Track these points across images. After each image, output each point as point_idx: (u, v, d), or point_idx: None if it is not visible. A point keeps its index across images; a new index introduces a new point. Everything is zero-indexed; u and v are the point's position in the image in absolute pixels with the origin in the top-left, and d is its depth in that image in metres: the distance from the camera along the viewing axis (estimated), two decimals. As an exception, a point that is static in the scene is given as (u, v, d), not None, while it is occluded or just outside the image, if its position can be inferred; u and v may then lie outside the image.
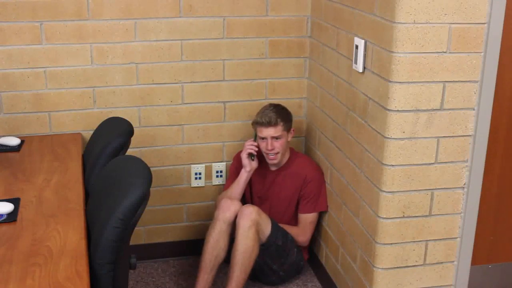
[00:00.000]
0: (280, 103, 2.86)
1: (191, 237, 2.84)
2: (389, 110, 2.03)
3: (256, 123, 2.56)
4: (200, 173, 2.89)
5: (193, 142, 2.86)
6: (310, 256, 2.89)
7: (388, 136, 2.05)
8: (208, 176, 2.92)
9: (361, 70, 2.21)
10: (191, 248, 2.89)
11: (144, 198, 1.73)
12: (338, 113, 2.51)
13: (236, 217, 2.51)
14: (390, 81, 2.00)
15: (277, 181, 2.66)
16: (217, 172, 2.91)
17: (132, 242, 2.77)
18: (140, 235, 2.89)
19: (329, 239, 2.69)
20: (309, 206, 2.61)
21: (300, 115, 2.94)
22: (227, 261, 2.53)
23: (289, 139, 2.60)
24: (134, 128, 2.49)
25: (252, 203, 2.73)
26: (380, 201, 2.13)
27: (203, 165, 2.89)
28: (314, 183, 2.62)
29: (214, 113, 2.84)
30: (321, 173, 2.66)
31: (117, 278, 1.73)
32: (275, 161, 2.59)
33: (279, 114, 2.54)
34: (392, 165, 2.08)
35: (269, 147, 2.55)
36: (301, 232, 2.61)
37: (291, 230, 2.60)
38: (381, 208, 2.13)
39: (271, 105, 2.60)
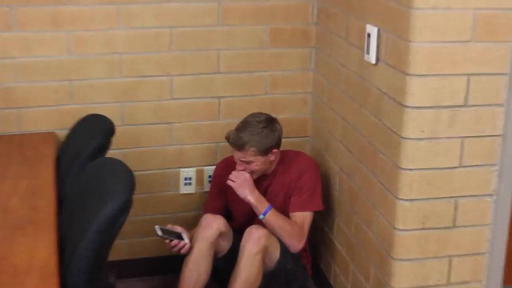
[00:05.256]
0: (282, 99, 2.86)
1: (174, 253, 2.79)
2: (406, 106, 2.02)
3: (226, 139, 2.54)
4: (190, 178, 2.88)
5: (183, 142, 2.85)
6: (317, 275, 2.88)
7: (405, 136, 2.05)
8: (200, 181, 2.91)
9: (374, 62, 2.22)
10: (179, 264, 2.84)
11: (126, 207, 1.74)
12: (348, 110, 2.50)
13: (218, 235, 2.50)
14: (407, 74, 2.00)
15: (271, 190, 2.64)
16: (209, 177, 2.89)
17: (112, 257, 2.72)
18: (121, 250, 2.89)
19: (338, 254, 2.68)
20: (303, 202, 2.57)
21: (304, 113, 2.93)
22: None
23: (272, 158, 2.57)
24: (116, 127, 2.47)
25: (242, 217, 2.69)
26: (396, 211, 2.12)
27: (194, 169, 2.88)
28: (310, 173, 2.59)
29: (208, 110, 2.83)
30: (317, 165, 2.66)
31: (94, 300, 1.73)
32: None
33: (252, 136, 2.49)
34: (410, 169, 2.07)
35: (239, 167, 2.54)
36: (299, 234, 2.55)
37: (290, 226, 2.53)
38: (397, 219, 2.13)
39: (251, 118, 2.54)
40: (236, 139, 2.48)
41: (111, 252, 1.89)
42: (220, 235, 2.52)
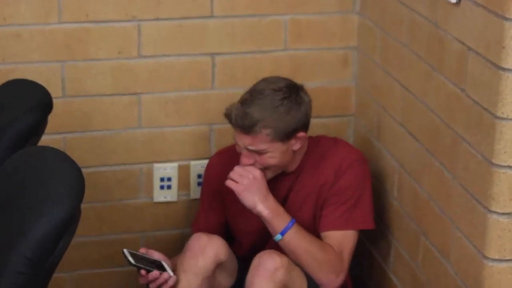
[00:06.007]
0: (310, 58, 2.86)
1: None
2: (504, 69, 2.02)
3: (226, 116, 2.54)
4: (169, 179, 2.89)
5: (157, 124, 2.87)
6: None
7: (503, 116, 2.05)
8: (184, 184, 2.93)
9: (454, 0, 2.21)
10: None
11: (70, 223, 1.74)
12: (414, 74, 2.51)
13: (216, 265, 2.52)
14: (507, 19, 1.99)
15: (294, 196, 2.66)
16: (199, 176, 2.91)
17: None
18: (64, 287, 2.87)
19: None
20: (343, 216, 2.59)
21: (345, 79, 2.95)
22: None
23: (296, 147, 2.58)
24: (54, 100, 2.46)
25: (250, 238, 2.71)
26: (487, 230, 2.12)
27: (175, 164, 2.91)
28: (353, 172, 2.61)
29: (196, 73, 2.85)
30: (363, 159, 2.67)
31: None
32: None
33: (266, 113, 2.48)
34: (510, 167, 2.08)
35: (243, 161, 2.54)
36: (337, 263, 2.56)
37: (323, 252, 2.55)
38: (489, 243, 2.12)
39: (265, 86, 2.54)
40: (242, 117, 2.47)
41: (48, 292, 1.88)
42: (219, 266, 2.54)
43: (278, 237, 2.51)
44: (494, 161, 2.06)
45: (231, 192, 2.54)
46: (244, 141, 2.50)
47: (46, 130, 2.41)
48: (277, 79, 2.57)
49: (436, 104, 2.36)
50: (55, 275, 1.88)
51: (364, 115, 2.91)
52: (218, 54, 2.84)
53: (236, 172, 2.53)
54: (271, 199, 2.51)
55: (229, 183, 2.53)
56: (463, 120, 2.21)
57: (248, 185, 2.51)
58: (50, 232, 1.70)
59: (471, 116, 2.16)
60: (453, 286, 2.29)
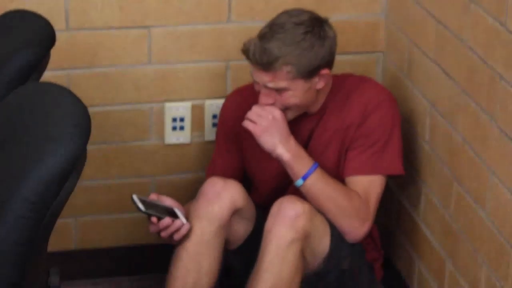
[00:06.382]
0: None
1: (160, 240, 2.82)
2: None
3: (243, 52, 2.54)
4: (182, 119, 2.91)
5: (169, 60, 2.88)
6: (390, 278, 2.90)
7: None
8: (198, 124, 2.95)
9: None
10: (160, 259, 2.87)
11: (74, 163, 1.74)
12: (449, 6, 2.50)
13: (232, 212, 2.53)
14: None
15: (317, 139, 2.67)
16: (214, 117, 2.93)
17: (54, 247, 2.77)
18: (69, 234, 2.95)
19: (427, 246, 2.71)
20: (370, 160, 2.59)
21: (374, 11, 2.94)
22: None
23: (319, 86, 2.57)
24: (57, 33, 2.45)
25: (269, 184, 2.73)
26: None
27: (188, 103, 2.92)
28: (382, 113, 2.61)
29: (210, 4, 2.85)
30: (393, 99, 2.67)
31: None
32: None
33: (288, 48, 2.47)
34: None
35: (262, 100, 2.55)
36: (363, 211, 2.58)
37: (348, 199, 2.56)
38: None
39: (286, 19, 2.53)
40: (261, 53, 2.47)
41: (52, 239, 1.90)
42: (235, 212, 2.55)
43: (299, 182, 2.52)
44: (535, 101, 2.07)
45: (248, 134, 2.55)
46: (263, 78, 2.50)
47: (49, 66, 2.41)
48: (300, 11, 2.56)
49: (473, 39, 2.35)
50: (59, 220, 1.88)
51: (394, 51, 2.89)
52: (235, -17, 2.84)
53: (254, 112, 2.53)
54: (292, 142, 2.52)
55: (246, 123, 2.54)
56: (503, 56, 2.19)
57: (267, 126, 2.51)
58: (54, 173, 1.69)
59: (511, 52, 2.14)
60: (488, 235, 2.30)
